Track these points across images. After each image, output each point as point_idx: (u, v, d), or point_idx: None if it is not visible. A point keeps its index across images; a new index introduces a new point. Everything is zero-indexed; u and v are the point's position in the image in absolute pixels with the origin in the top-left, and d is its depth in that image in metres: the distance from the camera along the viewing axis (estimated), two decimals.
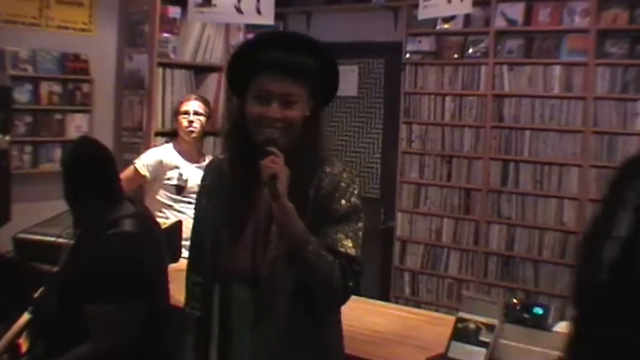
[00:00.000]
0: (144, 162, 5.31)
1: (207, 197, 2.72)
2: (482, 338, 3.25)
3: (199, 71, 6.52)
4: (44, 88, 5.93)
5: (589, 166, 5.83)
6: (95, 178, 3.16)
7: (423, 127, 6.60)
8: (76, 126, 6.09)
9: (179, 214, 5.20)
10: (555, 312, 3.42)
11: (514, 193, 6.18)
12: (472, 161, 6.37)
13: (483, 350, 3.31)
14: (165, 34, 6.19)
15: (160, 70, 6.16)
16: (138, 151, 5.90)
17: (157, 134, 6.11)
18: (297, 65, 2.44)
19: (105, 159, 3.24)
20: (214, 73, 6.56)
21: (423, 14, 5.09)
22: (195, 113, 5.38)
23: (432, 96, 6.54)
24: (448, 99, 6.47)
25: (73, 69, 6.10)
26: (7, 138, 5.20)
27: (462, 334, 3.27)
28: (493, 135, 6.23)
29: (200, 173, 5.22)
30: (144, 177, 5.27)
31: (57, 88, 5.99)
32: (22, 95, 5.79)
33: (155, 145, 5.73)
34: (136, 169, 5.27)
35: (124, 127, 6.30)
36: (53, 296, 3.10)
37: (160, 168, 5.25)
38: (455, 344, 3.35)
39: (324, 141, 2.62)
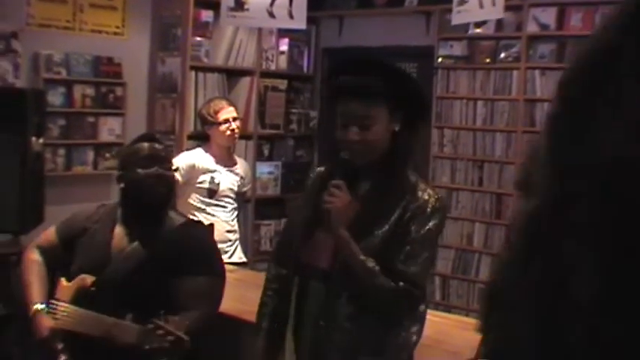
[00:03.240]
0: (176, 165, 5.31)
1: (304, 201, 2.90)
2: None
3: (231, 75, 6.56)
4: (77, 91, 5.99)
5: None
6: None
7: (454, 132, 6.58)
8: (109, 129, 6.15)
9: (210, 217, 5.21)
10: None
11: None
12: (504, 166, 6.33)
13: None
14: (198, 38, 6.24)
15: (193, 73, 6.20)
16: (170, 155, 5.93)
17: (190, 137, 6.15)
18: (367, 88, 2.55)
19: None
20: (246, 77, 6.60)
21: (456, 19, 5.09)
22: (234, 119, 5.37)
23: (464, 100, 6.52)
24: (480, 103, 6.44)
25: (106, 72, 6.16)
26: (41, 141, 5.25)
27: None
28: (525, 140, 6.20)
29: (232, 177, 5.30)
30: (176, 181, 5.28)
31: (90, 91, 6.06)
32: (55, 98, 5.85)
33: (187, 149, 5.74)
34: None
35: (156, 131, 6.33)
36: (133, 274, 3.28)
37: (193, 172, 5.26)
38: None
39: (414, 154, 2.79)
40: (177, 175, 5.19)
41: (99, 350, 3.12)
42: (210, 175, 5.27)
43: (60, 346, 3.30)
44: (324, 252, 2.66)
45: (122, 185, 3.44)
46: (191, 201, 5.26)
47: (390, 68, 2.65)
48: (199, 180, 5.26)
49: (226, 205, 5.28)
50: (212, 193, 5.27)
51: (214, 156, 5.32)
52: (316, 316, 2.68)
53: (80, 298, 3.33)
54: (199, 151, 5.38)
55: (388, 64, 2.67)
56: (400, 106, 2.60)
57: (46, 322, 3.33)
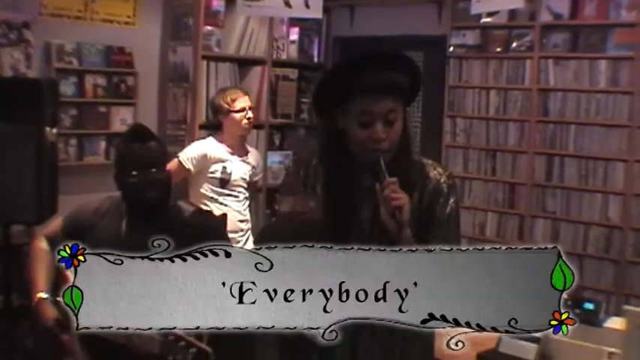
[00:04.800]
0: (188, 155, 5.29)
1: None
2: (533, 334, 3.24)
3: (243, 64, 6.54)
4: (89, 81, 6.00)
5: (634, 162, 5.76)
6: None
7: (467, 121, 6.57)
8: (121, 119, 6.16)
9: (223, 207, 5.21)
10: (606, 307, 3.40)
11: (559, 187, 6.13)
12: (517, 155, 6.32)
13: (534, 346, 3.30)
14: (209, 27, 6.22)
15: (204, 63, 6.18)
16: (182, 144, 5.93)
17: (202, 127, 6.14)
18: (394, 83, 2.47)
19: None
20: (258, 66, 6.59)
21: (476, 8, 5.06)
22: (250, 108, 5.36)
23: (477, 90, 6.50)
24: (493, 93, 6.42)
25: (118, 62, 6.16)
26: (55, 131, 5.25)
27: None
28: (538, 129, 6.18)
29: (244, 166, 5.29)
30: (188, 170, 5.26)
31: (101, 81, 6.06)
32: (67, 88, 5.86)
33: (199, 139, 5.73)
34: (180, 163, 5.25)
35: (168, 120, 6.34)
36: None
37: (205, 161, 5.25)
38: (506, 339, 3.34)
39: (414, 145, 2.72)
40: (189, 165, 5.20)
41: (120, 356, 3.09)
42: (222, 164, 5.26)
43: (66, 336, 3.30)
44: None
45: (118, 187, 3.44)
46: (203, 190, 5.26)
47: (413, 64, 2.58)
48: (211, 170, 5.25)
49: (238, 194, 5.28)
50: (224, 182, 5.27)
51: (227, 145, 5.31)
52: None
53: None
54: (211, 140, 5.36)
55: (412, 60, 2.58)
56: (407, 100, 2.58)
57: (50, 312, 3.31)
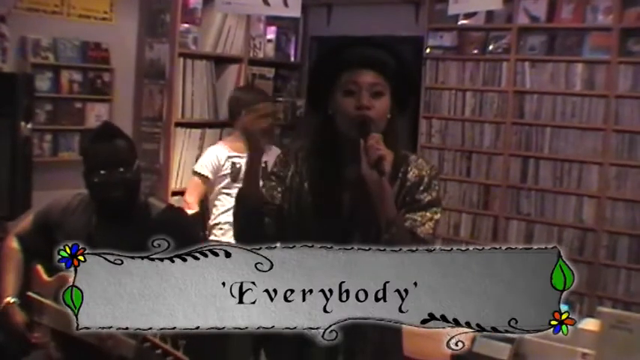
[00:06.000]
0: (201, 164, 5.35)
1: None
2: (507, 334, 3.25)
3: (219, 62, 6.52)
4: (65, 76, 5.95)
5: (609, 164, 5.82)
6: None
7: (443, 122, 6.60)
8: (96, 115, 6.11)
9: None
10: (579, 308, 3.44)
11: (533, 189, 6.17)
12: (492, 157, 6.36)
13: (508, 346, 3.33)
14: (186, 25, 6.19)
15: (181, 60, 6.16)
16: (157, 141, 5.94)
17: (177, 124, 6.11)
18: (379, 59, 2.56)
19: None
20: (234, 64, 6.56)
21: (453, 9, 5.07)
22: (270, 114, 5.40)
23: (453, 91, 6.53)
24: (469, 94, 6.46)
25: (94, 58, 6.11)
26: (29, 126, 5.21)
27: None
28: (513, 131, 6.22)
29: None
30: (207, 178, 5.31)
31: (77, 76, 6.01)
32: (42, 83, 5.80)
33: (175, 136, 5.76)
34: (198, 175, 5.32)
35: (143, 117, 6.30)
36: None
37: (217, 162, 5.30)
38: (480, 340, 3.35)
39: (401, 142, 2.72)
40: (206, 172, 5.23)
41: (94, 357, 3.05)
42: (230, 161, 5.30)
43: (36, 335, 3.28)
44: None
45: (85, 185, 3.42)
46: (218, 186, 5.33)
47: (402, 56, 2.65)
48: (224, 168, 5.31)
49: None
50: (235, 176, 5.32)
51: (236, 148, 5.35)
52: None
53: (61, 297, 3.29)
54: (220, 144, 5.40)
55: (400, 52, 2.66)
56: (397, 95, 2.61)
57: (19, 317, 3.32)
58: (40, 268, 3.43)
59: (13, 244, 3.55)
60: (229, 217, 5.28)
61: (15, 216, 4.90)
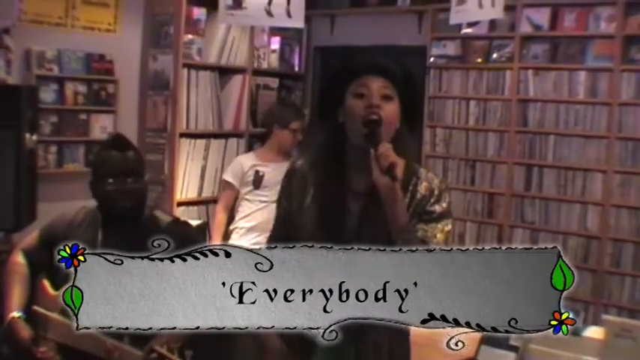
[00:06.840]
0: (229, 172, 5.66)
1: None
2: (511, 342, 3.25)
3: (223, 73, 6.54)
4: (69, 88, 5.95)
5: (613, 172, 5.82)
6: None
7: (447, 131, 6.60)
8: (101, 126, 6.12)
9: (260, 204, 5.49)
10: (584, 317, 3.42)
11: (538, 197, 6.16)
12: (496, 166, 6.35)
13: (512, 354, 3.32)
14: (190, 36, 6.21)
15: (185, 71, 6.17)
16: (162, 152, 5.95)
17: (182, 135, 6.13)
18: (388, 67, 2.63)
19: None
20: (239, 75, 6.58)
21: (455, 19, 5.08)
22: (300, 129, 5.74)
23: (457, 100, 6.53)
24: (472, 103, 6.46)
25: (98, 69, 6.12)
26: (34, 137, 5.23)
27: (492, 337, 3.26)
28: (517, 140, 6.22)
29: (279, 171, 5.42)
30: (233, 186, 5.61)
31: (82, 88, 6.02)
32: (47, 95, 5.81)
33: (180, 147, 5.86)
34: (227, 184, 5.61)
35: (148, 128, 6.31)
36: None
37: (241, 170, 5.54)
38: (484, 348, 3.35)
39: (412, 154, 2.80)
40: (233, 180, 5.60)
41: None
42: (254, 169, 5.49)
43: (42, 349, 3.28)
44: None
45: (93, 195, 3.43)
46: (242, 193, 5.48)
47: (407, 67, 2.70)
48: (248, 175, 5.43)
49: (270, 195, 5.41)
50: (257, 183, 5.49)
51: (263, 158, 5.56)
52: None
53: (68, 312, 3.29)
54: (249, 153, 5.83)
55: (409, 70, 2.73)
56: (404, 103, 2.65)
57: (25, 331, 3.31)
58: (46, 282, 3.44)
59: (19, 258, 3.55)
60: (248, 222, 5.44)
61: (20, 228, 4.90)
